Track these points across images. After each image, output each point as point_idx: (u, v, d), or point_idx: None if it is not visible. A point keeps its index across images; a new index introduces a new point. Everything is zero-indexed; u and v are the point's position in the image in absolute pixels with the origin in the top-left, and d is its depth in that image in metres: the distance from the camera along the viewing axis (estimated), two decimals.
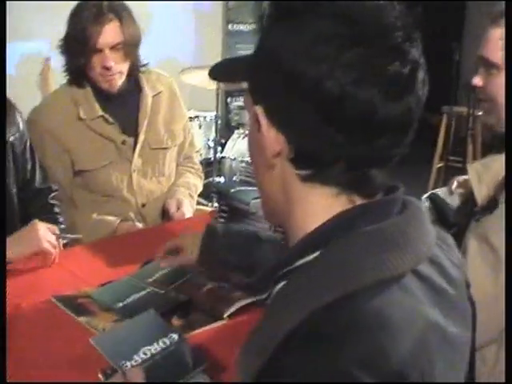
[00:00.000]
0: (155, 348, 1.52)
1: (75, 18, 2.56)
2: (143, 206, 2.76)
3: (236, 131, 5.72)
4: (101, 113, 2.66)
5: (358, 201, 0.94)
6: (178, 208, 2.71)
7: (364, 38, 0.86)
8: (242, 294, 1.83)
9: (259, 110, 0.94)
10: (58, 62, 2.73)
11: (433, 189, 5.65)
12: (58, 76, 2.79)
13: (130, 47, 2.60)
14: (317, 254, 0.91)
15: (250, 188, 2.46)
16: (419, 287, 0.90)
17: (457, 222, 2.01)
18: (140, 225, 2.65)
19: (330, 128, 0.87)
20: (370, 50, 0.86)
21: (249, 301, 1.82)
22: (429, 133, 5.89)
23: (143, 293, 1.92)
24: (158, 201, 2.79)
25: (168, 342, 1.54)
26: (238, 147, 5.47)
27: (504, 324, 1.68)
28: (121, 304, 1.87)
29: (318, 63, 0.86)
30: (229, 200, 2.44)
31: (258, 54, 0.96)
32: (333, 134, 0.88)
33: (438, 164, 5.83)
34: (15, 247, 2.03)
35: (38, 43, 5.22)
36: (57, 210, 2.49)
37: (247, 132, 1.52)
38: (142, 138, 2.73)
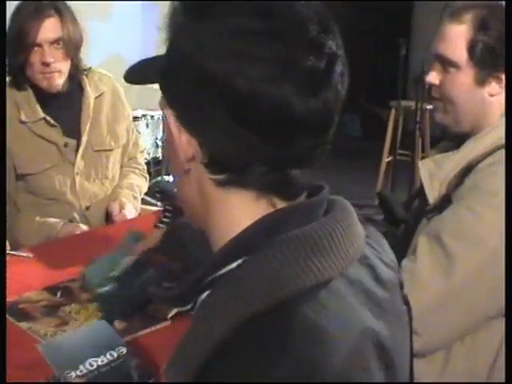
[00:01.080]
0: (102, 360, 1.49)
1: (15, 15, 2.54)
2: (87, 208, 2.73)
3: None
4: (42, 115, 2.63)
5: (280, 204, 0.89)
6: (121, 210, 2.69)
7: (279, 33, 0.82)
8: None
9: (170, 113, 0.90)
10: None
11: (382, 182, 5.74)
12: None
13: (70, 45, 2.57)
14: (240, 261, 0.86)
15: None
16: (349, 291, 0.87)
17: (406, 219, 1.95)
18: (84, 226, 2.62)
19: (243, 129, 0.83)
20: (284, 45, 0.81)
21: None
22: (378, 127, 5.96)
23: None
24: (102, 203, 2.76)
25: (115, 355, 1.51)
26: None
27: (458, 332, 1.66)
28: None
29: (226, 60, 0.81)
30: (173, 200, 2.44)
31: (168, 55, 0.91)
32: (246, 135, 0.83)
33: (387, 158, 5.88)
34: None
35: None
36: None
37: None
38: (84, 140, 2.70)
